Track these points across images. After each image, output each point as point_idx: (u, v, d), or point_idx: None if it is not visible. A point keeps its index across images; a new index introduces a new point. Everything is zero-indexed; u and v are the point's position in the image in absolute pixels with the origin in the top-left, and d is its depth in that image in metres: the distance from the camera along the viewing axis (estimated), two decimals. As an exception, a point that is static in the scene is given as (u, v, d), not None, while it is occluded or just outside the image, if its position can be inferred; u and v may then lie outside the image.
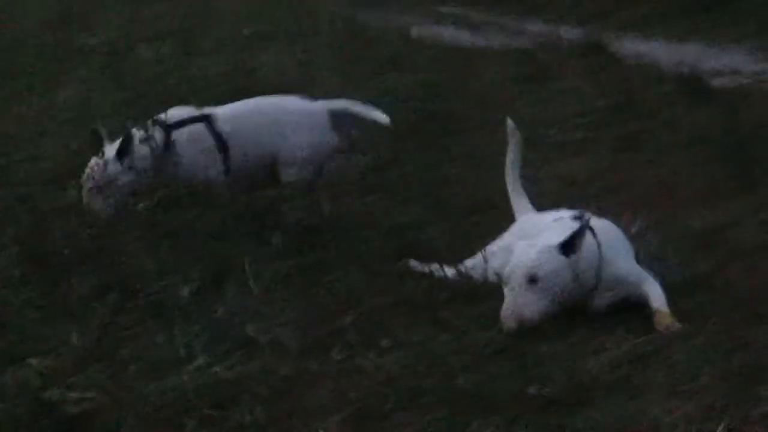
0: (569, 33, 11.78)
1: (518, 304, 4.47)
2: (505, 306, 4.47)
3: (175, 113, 6.03)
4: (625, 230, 5.11)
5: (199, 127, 5.91)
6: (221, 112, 6.16)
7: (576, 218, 4.81)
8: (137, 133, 5.77)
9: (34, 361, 3.55)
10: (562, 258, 4.56)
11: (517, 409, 3.74)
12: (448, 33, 12.46)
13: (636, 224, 5.43)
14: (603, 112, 8.68)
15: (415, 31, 11.74)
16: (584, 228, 4.63)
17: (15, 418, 3.32)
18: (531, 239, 4.74)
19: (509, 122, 5.59)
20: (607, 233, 4.84)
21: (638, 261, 4.93)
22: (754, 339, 4.25)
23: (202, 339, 4.12)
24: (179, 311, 4.34)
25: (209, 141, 5.89)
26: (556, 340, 4.39)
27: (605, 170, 7.06)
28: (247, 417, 3.57)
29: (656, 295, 4.62)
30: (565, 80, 10.03)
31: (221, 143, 5.90)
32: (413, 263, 5.17)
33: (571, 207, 5.07)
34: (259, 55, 9.41)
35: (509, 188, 5.36)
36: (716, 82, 9.36)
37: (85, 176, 5.55)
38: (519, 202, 5.32)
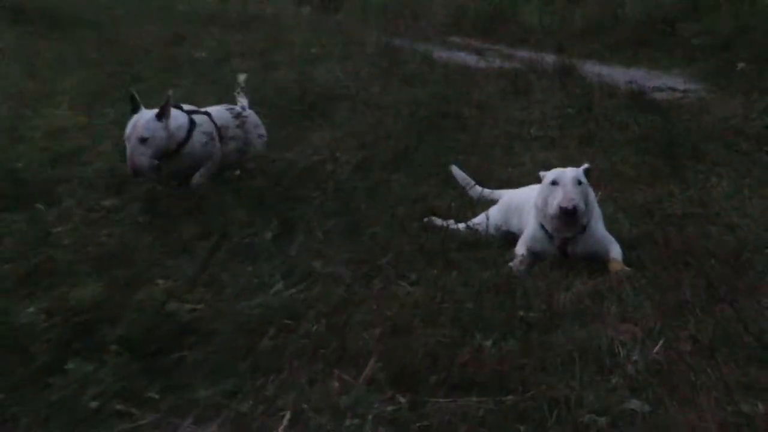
0: (547, 58, 11.71)
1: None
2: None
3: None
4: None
5: (205, 117, 5.60)
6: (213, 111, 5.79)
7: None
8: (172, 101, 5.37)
9: (160, 282, 3.56)
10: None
11: (508, 328, 3.74)
12: (458, 56, 12.40)
13: (598, 195, 5.41)
14: (571, 116, 8.63)
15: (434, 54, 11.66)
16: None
17: (146, 322, 3.34)
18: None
19: (454, 169, 5.95)
20: (594, 200, 4.86)
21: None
22: (682, 281, 4.24)
23: (279, 270, 4.12)
24: (263, 250, 4.34)
25: (213, 128, 5.59)
26: (537, 278, 4.40)
27: (573, 158, 7.00)
28: (313, 327, 3.58)
29: (615, 251, 4.61)
30: (543, 93, 9.97)
31: (218, 131, 5.62)
32: (433, 219, 5.17)
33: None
34: (318, 69, 9.38)
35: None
36: (656, 96, 9.31)
37: (128, 131, 5.09)
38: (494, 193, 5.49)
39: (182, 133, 5.34)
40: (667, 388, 3.23)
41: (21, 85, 7.75)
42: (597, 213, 4.81)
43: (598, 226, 4.76)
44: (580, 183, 4.68)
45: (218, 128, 5.64)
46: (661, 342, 3.55)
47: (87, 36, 10.05)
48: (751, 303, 3.95)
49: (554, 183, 4.69)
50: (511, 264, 4.56)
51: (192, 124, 5.43)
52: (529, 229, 4.82)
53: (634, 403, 3.13)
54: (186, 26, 11.04)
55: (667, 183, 6.10)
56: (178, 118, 5.34)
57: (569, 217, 4.61)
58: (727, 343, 3.57)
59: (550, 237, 4.73)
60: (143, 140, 5.06)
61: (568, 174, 4.71)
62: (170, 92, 5.36)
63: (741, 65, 9.85)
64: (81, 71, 8.00)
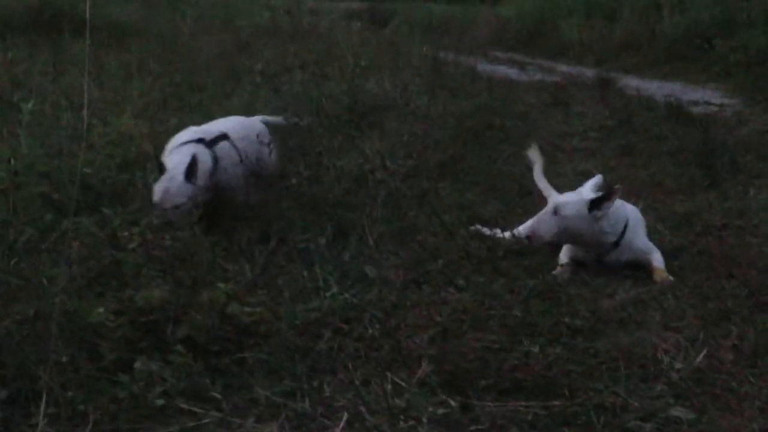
0: (587, 72, 11.65)
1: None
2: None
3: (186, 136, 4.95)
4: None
5: (227, 144, 4.98)
6: (228, 130, 5.11)
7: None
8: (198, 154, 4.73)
9: (221, 285, 3.54)
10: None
11: (554, 334, 3.69)
12: (501, 69, 12.36)
13: (639, 206, 5.32)
14: (610, 128, 8.58)
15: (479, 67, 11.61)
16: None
17: (207, 324, 3.33)
18: None
19: (533, 146, 5.53)
20: (632, 211, 4.75)
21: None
22: (723, 291, 4.17)
23: (334, 275, 4.09)
24: (318, 255, 4.31)
25: (235, 155, 5.01)
26: (581, 286, 4.34)
27: (611, 169, 6.95)
28: (367, 330, 3.56)
29: (657, 259, 4.53)
30: (584, 105, 9.93)
31: (239, 157, 5.02)
32: (480, 228, 5.11)
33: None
34: (369, 81, 9.36)
35: (540, 185, 5.19)
36: (693, 110, 9.20)
37: (159, 200, 4.52)
38: (547, 189, 5.19)
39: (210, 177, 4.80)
40: (710, 396, 3.17)
41: (88, 95, 7.81)
42: (633, 224, 4.67)
43: (635, 236, 4.63)
44: (556, 212, 4.50)
45: (238, 150, 5.05)
46: (704, 350, 3.48)
47: (150, 48, 10.10)
48: (792, 312, 3.87)
49: None
50: (555, 272, 4.50)
51: (215, 161, 4.87)
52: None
53: (679, 410, 3.07)
54: (244, 39, 11.09)
55: (706, 194, 6.01)
56: (204, 162, 4.75)
57: (531, 244, 4.58)
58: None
59: (586, 250, 4.65)
60: (177, 207, 4.54)
61: (550, 202, 4.61)
62: (194, 155, 4.71)
63: (776, 80, 9.70)
64: (145, 81, 8.02)
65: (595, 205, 4.50)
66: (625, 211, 4.68)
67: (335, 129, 7.27)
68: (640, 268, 4.53)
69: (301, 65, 9.76)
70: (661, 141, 7.76)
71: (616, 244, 4.58)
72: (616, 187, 4.58)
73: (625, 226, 4.60)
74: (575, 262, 4.63)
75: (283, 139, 5.96)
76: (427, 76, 10.00)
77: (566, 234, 4.53)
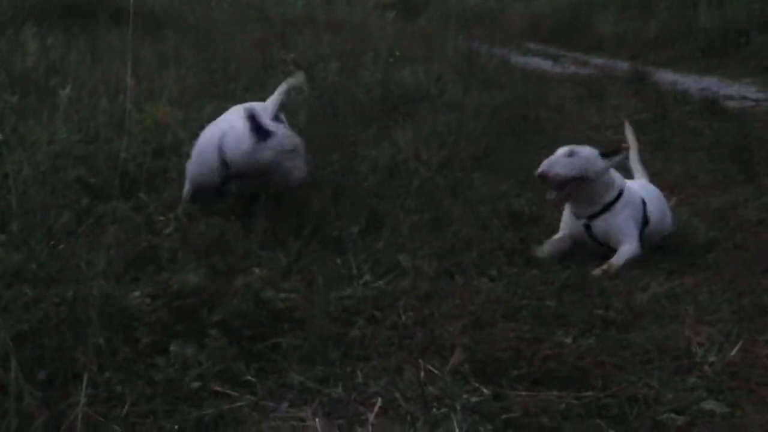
0: (621, 65, 11.59)
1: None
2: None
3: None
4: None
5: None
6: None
7: None
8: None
9: (256, 271, 3.57)
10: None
11: (587, 326, 3.68)
12: (534, 62, 12.32)
13: (672, 201, 5.32)
14: (645, 122, 8.52)
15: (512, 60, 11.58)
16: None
17: (242, 309, 3.35)
18: None
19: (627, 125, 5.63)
20: (630, 188, 4.78)
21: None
22: (757, 286, 4.15)
23: (367, 263, 4.11)
24: (351, 243, 4.33)
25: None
26: (615, 278, 4.33)
27: (647, 163, 6.88)
28: (400, 318, 3.57)
29: (624, 251, 4.55)
30: (618, 98, 9.88)
31: None
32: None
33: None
34: (402, 71, 9.36)
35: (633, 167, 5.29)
36: (728, 104, 9.14)
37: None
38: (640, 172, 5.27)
39: None
40: (744, 390, 3.15)
41: (125, 83, 7.86)
42: (626, 201, 4.67)
43: (623, 213, 4.64)
44: (570, 155, 4.61)
45: None
46: (738, 344, 3.46)
47: (185, 37, 10.15)
48: (827, 309, 3.84)
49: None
50: (541, 247, 4.62)
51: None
52: (565, 211, 4.79)
53: (712, 404, 3.05)
54: (278, 29, 11.11)
55: (741, 189, 5.98)
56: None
57: (543, 183, 4.65)
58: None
59: (576, 217, 4.69)
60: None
61: (563, 148, 4.70)
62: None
63: (814, 75, 9.61)
64: (179, 70, 8.07)
65: (605, 156, 4.64)
66: (623, 182, 4.75)
67: (369, 119, 7.28)
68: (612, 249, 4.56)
69: (335, 55, 9.76)
70: (696, 135, 7.72)
71: (608, 206, 4.61)
72: (624, 145, 4.89)
73: (620, 194, 4.65)
74: (569, 237, 4.70)
75: (318, 130, 5.99)
76: (460, 68, 9.98)
77: (577, 175, 4.57)
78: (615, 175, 4.72)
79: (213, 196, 4.58)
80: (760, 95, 9.75)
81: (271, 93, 5.10)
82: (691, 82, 10.53)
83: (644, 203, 4.74)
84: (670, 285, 4.21)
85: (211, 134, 4.61)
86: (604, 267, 4.42)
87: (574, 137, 7.87)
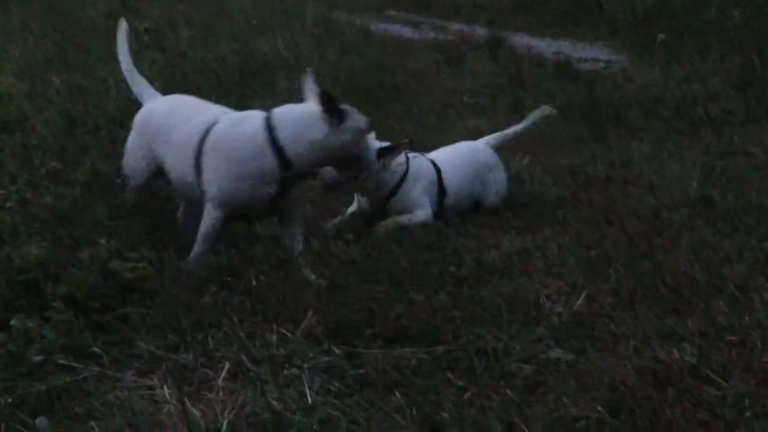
0: (478, 31, 11.74)
1: None
2: None
3: None
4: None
5: None
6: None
7: None
8: None
9: (103, 241, 3.48)
10: None
11: (440, 284, 3.74)
12: (394, 29, 12.36)
13: (526, 160, 5.44)
14: (501, 85, 8.67)
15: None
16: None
17: (89, 280, 3.28)
18: None
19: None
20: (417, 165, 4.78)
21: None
22: (603, 238, 4.27)
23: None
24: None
25: None
26: (468, 237, 4.41)
27: (502, 125, 7.02)
28: (253, 282, 3.54)
29: (415, 216, 4.64)
30: (475, 63, 10.00)
31: None
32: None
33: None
34: (259, 40, 9.26)
35: None
36: (581, 67, 9.37)
37: None
38: None
39: None
40: (589, 338, 3.25)
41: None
42: (415, 177, 4.72)
43: (414, 188, 4.70)
44: None
45: None
46: (583, 295, 3.57)
47: (33, 8, 9.81)
48: (669, 258, 3.99)
49: None
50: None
51: None
52: None
53: (558, 352, 3.14)
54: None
55: (591, 147, 6.15)
56: None
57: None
58: (646, 296, 3.60)
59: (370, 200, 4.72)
60: None
61: None
62: None
63: (661, 37, 9.92)
64: (28, 41, 7.81)
65: (380, 156, 4.49)
66: (412, 159, 4.75)
67: (225, 88, 7.19)
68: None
69: (189, 24, 9.59)
70: (549, 97, 7.87)
71: (397, 187, 4.66)
72: (402, 142, 4.71)
73: (406, 172, 4.68)
74: (363, 211, 4.74)
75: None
76: (319, 36, 9.95)
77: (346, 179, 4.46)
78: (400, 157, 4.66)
79: (258, 217, 4.02)
80: (611, 57, 10.04)
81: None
82: (545, 46, 10.73)
83: (439, 175, 4.81)
84: (520, 241, 4.32)
85: (243, 136, 3.75)
86: (386, 222, 4.51)
87: (431, 102, 8.00)
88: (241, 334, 3.12)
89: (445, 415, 2.69)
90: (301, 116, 3.75)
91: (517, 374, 3.00)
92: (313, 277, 3.72)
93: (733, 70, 8.06)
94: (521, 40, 10.97)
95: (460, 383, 2.90)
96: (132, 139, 4.18)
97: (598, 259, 4.00)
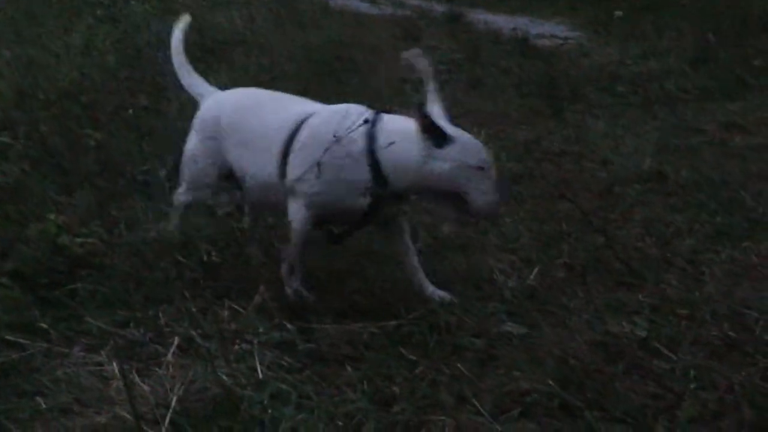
0: (438, 6, 11.72)
1: None
2: None
3: None
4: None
5: None
6: None
7: None
8: None
9: (52, 216, 3.43)
10: None
11: (395, 259, 3.72)
12: (353, 4, 12.30)
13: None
14: (459, 61, 8.67)
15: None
16: None
17: (37, 257, 3.23)
18: None
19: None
20: None
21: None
22: (558, 212, 4.29)
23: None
24: (157, 187, 4.21)
25: None
26: (423, 213, 4.40)
27: (460, 101, 7.04)
28: (205, 257, 3.50)
29: None
30: (434, 39, 9.98)
31: None
32: None
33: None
34: (217, 15, 9.17)
35: None
36: (539, 43, 9.39)
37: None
38: None
39: None
40: (541, 312, 3.26)
41: None
42: None
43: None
44: None
45: None
46: (536, 269, 3.58)
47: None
48: (621, 232, 4.02)
49: None
50: None
51: None
52: None
53: (511, 326, 3.16)
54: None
55: (547, 123, 6.17)
56: None
57: None
58: (599, 270, 3.62)
59: None
60: None
61: None
62: None
63: (618, 14, 9.97)
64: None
65: None
66: None
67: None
68: None
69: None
70: (506, 73, 7.91)
71: None
72: None
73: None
74: None
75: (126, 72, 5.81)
76: (277, 10, 9.86)
77: None
78: None
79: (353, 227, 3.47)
80: (568, 33, 10.08)
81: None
82: (503, 22, 10.75)
83: None
84: (476, 216, 4.30)
85: (340, 138, 3.27)
86: None
87: (389, 77, 7.96)
88: (193, 310, 3.09)
89: (396, 389, 2.68)
90: (403, 130, 3.22)
91: (469, 348, 3.00)
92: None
93: (689, 47, 8.12)
94: (480, 16, 10.98)
95: (412, 357, 2.89)
96: (195, 144, 3.69)
97: (552, 233, 4.02)
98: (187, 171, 3.71)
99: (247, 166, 3.51)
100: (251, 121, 3.53)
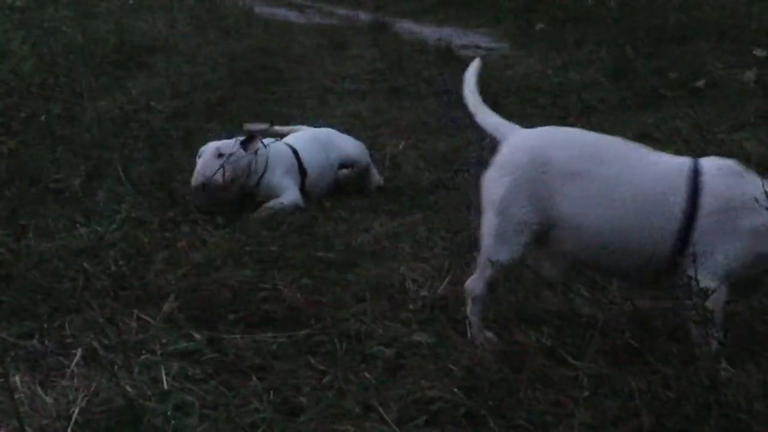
0: (364, 16, 11.77)
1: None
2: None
3: None
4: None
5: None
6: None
7: None
8: None
9: (-45, 226, 3.38)
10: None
11: (308, 267, 3.75)
12: (280, 12, 12.30)
13: (402, 145, 5.47)
14: (382, 71, 8.72)
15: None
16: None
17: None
18: None
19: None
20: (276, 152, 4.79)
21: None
22: (471, 222, 4.33)
23: (84, 215, 3.99)
24: (70, 195, 4.18)
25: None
26: (338, 221, 4.43)
27: (382, 110, 7.09)
28: (113, 268, 3.48)
29: (282, 198, 4.63)
30: (358, 48, 10.03)
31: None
32: None
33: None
34: (138, 20, 9.10)
35: None
36: (462, 53, 9.48)
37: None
38: None
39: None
40: (450, 321, 3.29)
41: None
42: (273, 165, 4.71)
43: (273, 176, 4.69)
44: (220, 155, 4.52)
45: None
46: (447, 279, 3.62)
47: None
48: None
49: (198, 156, 4.58)
50: None
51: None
52: None
53: (421, 335, 3.18)
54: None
55: (465, 133, 6.22)
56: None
57: (200, 192, 4.45)
58: (508, 279, 3.66)
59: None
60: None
61: (210, 147, 4.59)
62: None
63: (540, 26, 10.11)
64: None
65: (245, 146, 4.59)
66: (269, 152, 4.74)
67: (100, 69, 7.05)
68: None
69: (63, 2, 9.35)
70: (428, 83, 7.96)
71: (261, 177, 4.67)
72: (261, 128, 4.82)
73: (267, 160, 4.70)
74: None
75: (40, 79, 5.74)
76: (200, 16, 9.83)
77: (234, 176, 4.53)
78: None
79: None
80: (493, 44, 10.20)
81: None
82: (429, 32, 10.84)
83: (297, 156, 4.82)
84: (391, 225, 4.35)
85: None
86: (258, 211, 4.49)
87: (313, 87, 7.99)
88: (101, 320, 3.07)
89: (303, 398, 2.70)
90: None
91: (378, 357, 3.02)
92: None
93: (608, 59, 8.26)
94: (406, 26, 11.06)
95: (321, 367, 2.91)
96: (506, 191, 3.16)
97: (464, 242, 4.06)
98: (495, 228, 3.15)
99: (596, 223, 3.00)
100: (614, 168, 3.06)
